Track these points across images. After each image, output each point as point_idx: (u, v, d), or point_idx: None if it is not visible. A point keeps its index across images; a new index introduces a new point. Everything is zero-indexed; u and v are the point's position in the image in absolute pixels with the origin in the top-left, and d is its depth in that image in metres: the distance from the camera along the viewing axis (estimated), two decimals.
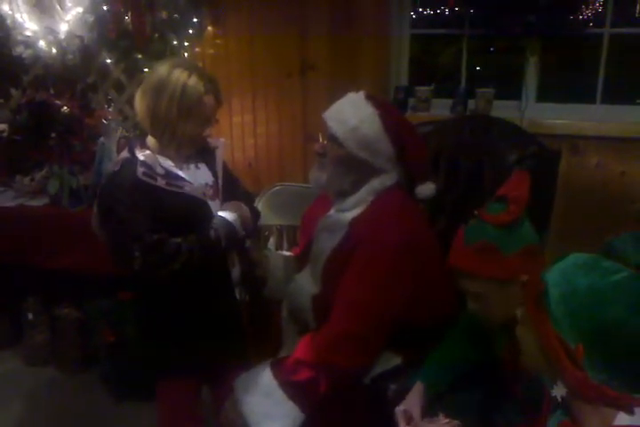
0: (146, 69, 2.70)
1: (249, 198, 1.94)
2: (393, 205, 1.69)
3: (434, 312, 1.73)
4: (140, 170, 1.63)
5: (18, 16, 2.70)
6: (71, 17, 2.71)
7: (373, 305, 1.60)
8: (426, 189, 1.73)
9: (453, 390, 1.58)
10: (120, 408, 2.58)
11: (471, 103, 2.78)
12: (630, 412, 0.99)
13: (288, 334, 1.92)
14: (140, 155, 1.66)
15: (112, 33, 2.73)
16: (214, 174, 1.81)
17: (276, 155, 3.10)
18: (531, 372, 1.18)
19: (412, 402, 1.53)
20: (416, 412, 1.50)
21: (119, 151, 2.33)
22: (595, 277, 1.01)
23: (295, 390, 1.59)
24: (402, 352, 1.72)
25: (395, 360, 1.72)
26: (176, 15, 2.82)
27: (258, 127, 3.09)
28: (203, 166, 1.81)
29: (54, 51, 2.75)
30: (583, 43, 3.03)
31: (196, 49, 2.99)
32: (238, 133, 3.12)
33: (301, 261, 1.92)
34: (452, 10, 2.78)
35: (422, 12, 3.16)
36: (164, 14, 2.79)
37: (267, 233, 2.67)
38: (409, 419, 1.48)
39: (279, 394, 1.59)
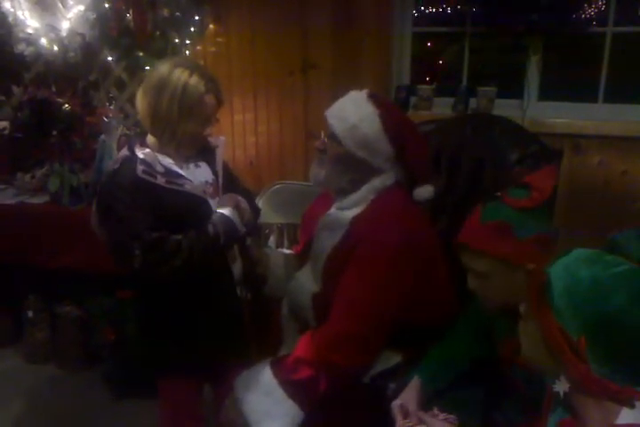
0: (147, 67, 2.71)
1: (249, 196, 1.93)
2: (394, 204, 1.69)
3: (434, 311, 1.72)
4: (140, 168, 1.62)
5: (19, 13, 2.70)
6: (73, 14, 2.71)
7: (373, 304, 1.60)
8: (424, 191, 1.72)
9: (453, 388, 1.58)
10: (121, 406, 2.58)
11: (473, 102, 2.78)
12: (632, 405, 0.99)
13: (288, 333, 1.91)
14: (140, 153, 1.66)
15: (113, 31, 2.74)
16: (214, 173, 1.81)
17: (277, 153, 3.10)
18: (531, 369, 1.17)
19: (409, 396, 1.53)
20: (412, 406, 1.49)
21: (120, 149, 2.32)
22: (597, 269, 1.02)
23: (295, 389, 1.59)
24: (402, 351, 1.72)
25: (395, 359, 1.72)
26: (177, 13, 2.82)
27: (259, 125, 3.09)
28: (203, 165, 1.80)
29: (56, 48, 2.75)
30: (585, 41, 3.01)
31: (198, 47, 3.00)
32: (239, 132, 3.12)
33: (302, 259, 1.92)
34: (454, 8, 2.79)
35: (424, 10, 3.16)
36: (165, 12, 2.79)
37: (267, 231, 2.67)
38: (405, 413, 1.46)
39: (279, 393, 1.59)
